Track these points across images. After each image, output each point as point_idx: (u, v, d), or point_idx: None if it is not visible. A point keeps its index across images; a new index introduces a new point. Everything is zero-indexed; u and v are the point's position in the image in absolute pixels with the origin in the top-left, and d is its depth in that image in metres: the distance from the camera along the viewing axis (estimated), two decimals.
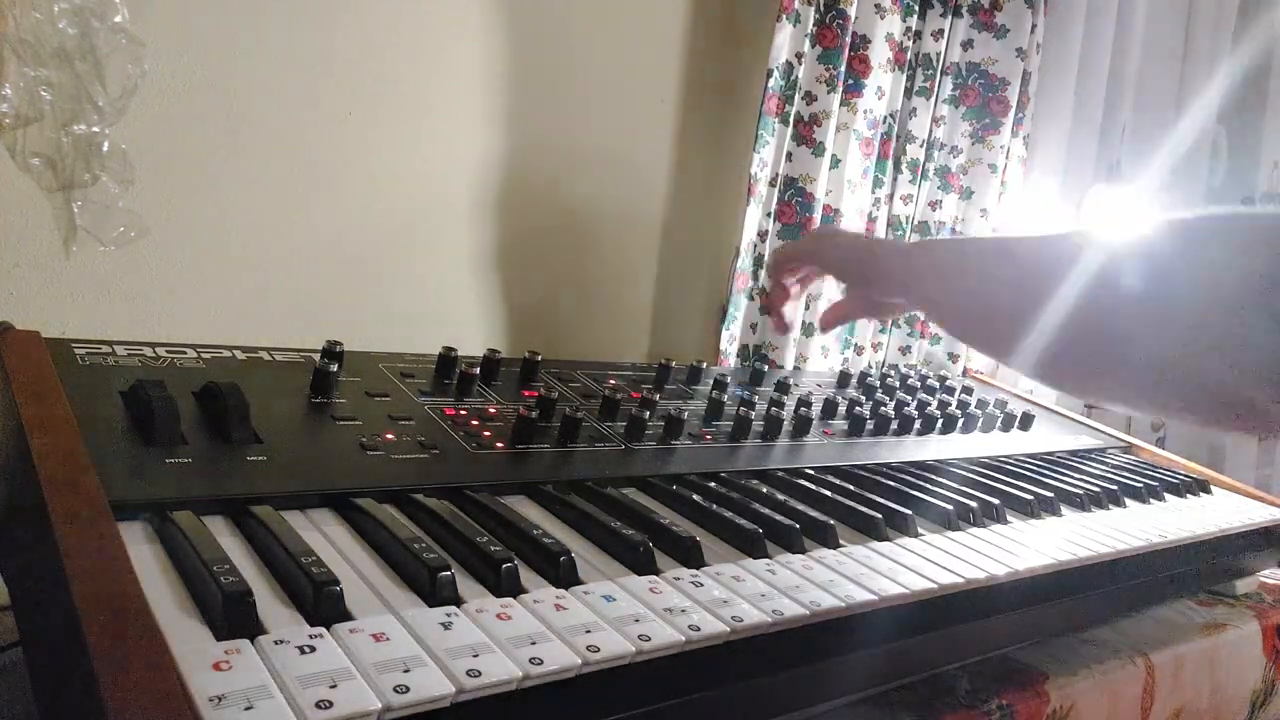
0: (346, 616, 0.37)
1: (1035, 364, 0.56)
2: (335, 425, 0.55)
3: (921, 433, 0.85)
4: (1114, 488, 0.79)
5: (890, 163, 1.34)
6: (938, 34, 1.34)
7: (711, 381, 0.79)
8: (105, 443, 0.46)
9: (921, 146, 1.36)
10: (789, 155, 1.21)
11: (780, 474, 0.66)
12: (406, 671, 0.33)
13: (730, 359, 1.22)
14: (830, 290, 1.25)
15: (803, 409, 0.77)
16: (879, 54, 1.25)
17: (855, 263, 0.74)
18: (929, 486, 0.69)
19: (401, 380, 0.65)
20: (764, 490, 0.61)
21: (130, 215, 0.78)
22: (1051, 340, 0.53)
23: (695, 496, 0.57)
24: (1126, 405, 0.55)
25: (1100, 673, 0.64)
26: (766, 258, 1.22)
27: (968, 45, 1.37)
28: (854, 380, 0.97)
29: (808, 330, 1.26)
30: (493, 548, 0.43)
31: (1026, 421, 0.97)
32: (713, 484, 0.61)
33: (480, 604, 0.39)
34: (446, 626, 0.37)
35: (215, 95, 0.85)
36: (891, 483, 0.68)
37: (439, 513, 0.47)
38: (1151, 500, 0.82)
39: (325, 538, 0.45)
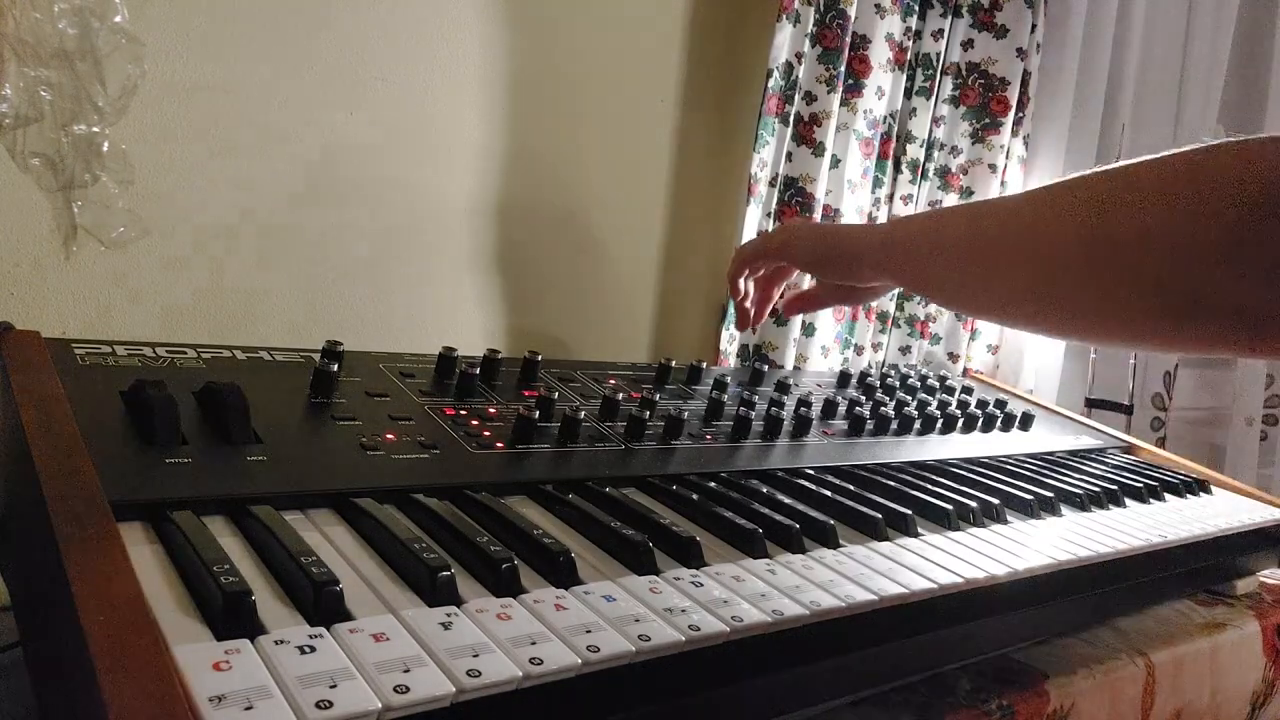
0: (346, 616, 0.37)
1: (1037, 311, 0.58)
2: (335, 425, 0.55)
3: (921, 433, 0.85)
4: (1114, 488, 0.79)
5: (890, 163, 1.34)
6: (938, 34, 1.34)
7: (711, 381, 0.78)
8: (105, 443, 0.46)
9: (921, 146, 1.36)
10: (789, 155, 1.21)
11: (780, 474, 0.66)
12: (406, 671, 0.33)
13: (730, 359, 1.22)
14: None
15: (803, 409, 0.77)
16: (879, 54, 1.25)
17: (828, 250, 0.74)
18: (929, 486, 0.69)
19: (401, 380, 0.65)
20: (764, 490, 0.61)
21: (130, 215, 0.78)
22: (1066, 291, 0.55)
23: (695, 496, 0.57)
24: (1136, 340, 0.56)
25: (1100, 673, 0.64)
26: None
27: (968, 45, 1.37)
28: (854, 380, 0.97)
29: (808, 330, 1.26)
30: (493, 548, 0.43)
31: (1026, 421, 0.97)
32: (713, 484, 0.61)
33: (480, 604, 0.39)
34: (446, 626, 0.37)
35: (215, 95, 0.85)
36: (891, 483, 0.68)
37: (439, 513, 0.47)
38: (1151, 500, 0.82)
39: (325, 538, 0.45)
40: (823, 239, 0.77)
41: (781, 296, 0.89)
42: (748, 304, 0.86)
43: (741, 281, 0.85)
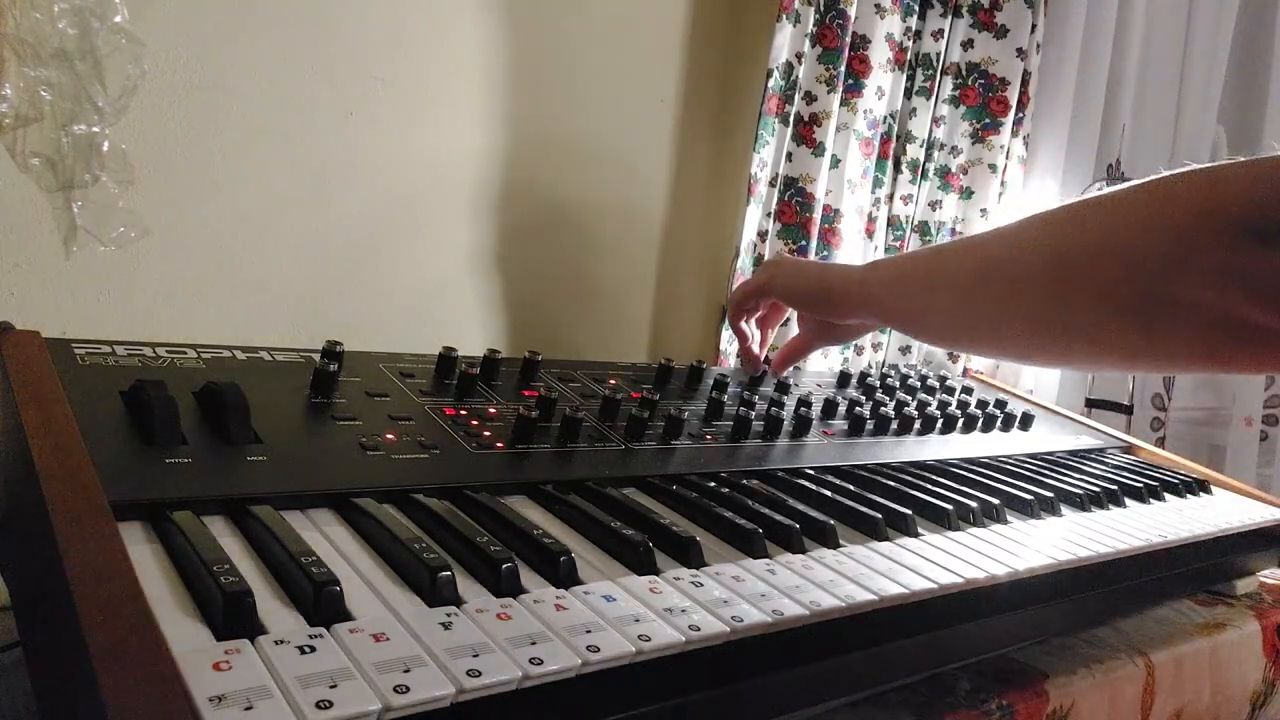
0: (346, 616, 0.37)
1: (1015, 341, 0.61)
2: (335, 425, 0.55)
3: (921, 433, 0.85)
4: (1114, 488, 0.79)
5: (890, 163, 1.34)
6: (938, 34, 1.34)
7: (711, 381, 0.78)
8: (105, 443, 0.46)
9: (921, 146, 1.36)
10: (789, 155, 1.21)
11: (780, 474, 0.66)
12: (406, 671, 0.33)
13: (730, 359, 1.22)
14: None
15: (803, 409, 0.77)
16: (879, 54, 1.25)
17: (809, 287, 0.78)
18: (929, 486, 0.69)
19: (401, 380, 0.65)
20: (764, 490, 0.61)
21: (130, 215, 0.78)
22: (1032, 308, 0.57)
23: (695, 496, 0.57)
24: (1123, 360, 0.57)
25: (1100, 673, 0.64)
26: (766, 257, 1.22)
27: (968, 45, 1.37)
28: (854, 380, 0.97)
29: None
30: (493, 548, 0.43)
31: (1026, 421, 0.97)
32: (713, 484, 0.61)
33: (480, 604, 0.39)
34: (446, 626, 0.37)
35: (215, 95, 0.85)
36: (891, 483, 0.68)
37: (439, 513, 0.47)
38: (1151, 500, 0.82)
39: (325, 538, 0.45)
40: (805, 275, 0.80)
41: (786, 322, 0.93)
42: (754, 347, 0.90)
43: (744, 325, 0.89)
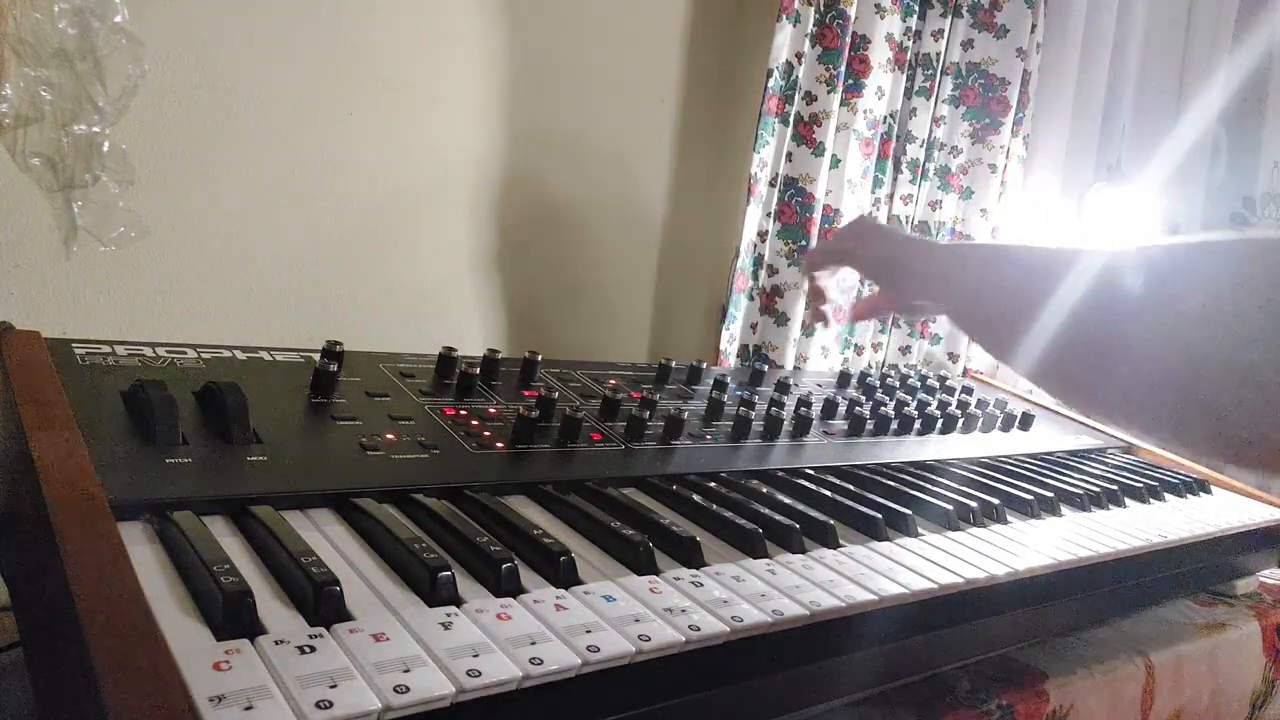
0: (346, 616, 0.37)
1: (1042, 369, 0.56)
2: (335, 425, 0.55)
3: (921, 433, 0.85)
4: (1114, 488, 0.79)
5: (890, 163, 1.34)
6: (938, 34, 1.34)
7: (711, 381, 0.78)
8: (105, 443, 0.46)
9: (921, 146, 1.36)
10: (789, 155, 1.21)
11: (780, 474, 0.66)
12: (406, 671, 0.33)
13: (730, 359, 1.22)
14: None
15: (803, 409, 0.77)
16: (879, 54, 1.25)
17: (887, 264, 0.71)
18: (929, 486, 0.69)
19: (401, 380, 0.65)
20: (764, 490, 0.61)
21: (130, 215, 0.78)
22: (1059, 344, 0.53)
23: (695, 496, 0.57)
24: (1128, 422, 0.55)
25: (1100, 673, 0.64)
26: (766, 257, 1.22)
27: (968, 45, 1.37)
28: (854, 380, 0.97)
29: (808, 330, 1.26)
30: (493, 548, 0.43)
31: (1026, 421, 0.97)
32: (713, 484, 0.61)
33: (480, 604, 0.39)
34: (446, 626, 0.37)
35: (215, 95, 0.85)
36: (891, 483, 0.68)
37: (439, 513, 0.47)
38: (1151, 500, 0.82)
39: (325, 538, 0.45)
40: (886, 246, 0.72)
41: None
42: (826, 306, 0.84)
43: (820, 283, 0.83)
